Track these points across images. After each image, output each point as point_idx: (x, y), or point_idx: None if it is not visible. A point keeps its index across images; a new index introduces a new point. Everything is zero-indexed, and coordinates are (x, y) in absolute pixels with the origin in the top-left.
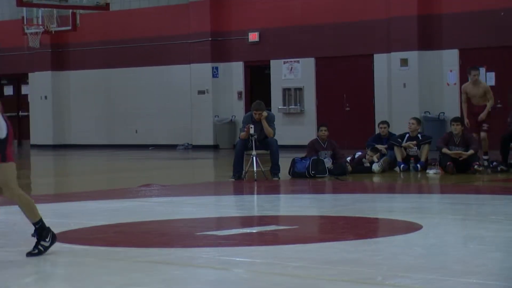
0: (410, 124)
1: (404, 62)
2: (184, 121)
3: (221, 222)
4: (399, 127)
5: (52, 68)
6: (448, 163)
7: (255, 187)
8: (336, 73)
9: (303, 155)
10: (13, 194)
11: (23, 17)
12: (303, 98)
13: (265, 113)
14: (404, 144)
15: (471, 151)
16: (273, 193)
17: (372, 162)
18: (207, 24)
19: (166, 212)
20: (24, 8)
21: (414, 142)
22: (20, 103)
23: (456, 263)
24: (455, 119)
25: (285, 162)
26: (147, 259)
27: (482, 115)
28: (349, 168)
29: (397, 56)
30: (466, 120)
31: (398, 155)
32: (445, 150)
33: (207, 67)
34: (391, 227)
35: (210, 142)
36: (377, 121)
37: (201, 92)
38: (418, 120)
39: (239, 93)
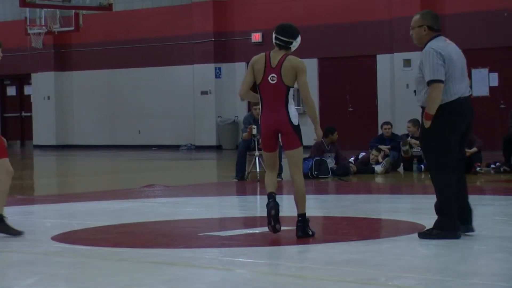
0: (407, 128)
1: (407, 62)
2: (187, 122)
3: (224, 223)
4: (402, 128)
5: (55, 68)
6: None
7: (258, 188)
8: (339, 73)
9: (306, 155)
10: None
11: (26, 18)
12: None
13: None
14: (410, 140)
15: (474, 149)
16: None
17: (377, 162)
18: (210, 24)
19: (169, 213)
20: (27, 9)
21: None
22: (23, 103)
23: (459, 264)
24: None
25: (287, 163)
26: (150, 260)
27: None
28: (353, 168)
29: (400, 56)
30: None
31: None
32: None
33: (210, 67)
34: (395, 227)
35: (213, 142)
36: (380, 121)
37: (204, 93)
38: (414, 122)
39: None
